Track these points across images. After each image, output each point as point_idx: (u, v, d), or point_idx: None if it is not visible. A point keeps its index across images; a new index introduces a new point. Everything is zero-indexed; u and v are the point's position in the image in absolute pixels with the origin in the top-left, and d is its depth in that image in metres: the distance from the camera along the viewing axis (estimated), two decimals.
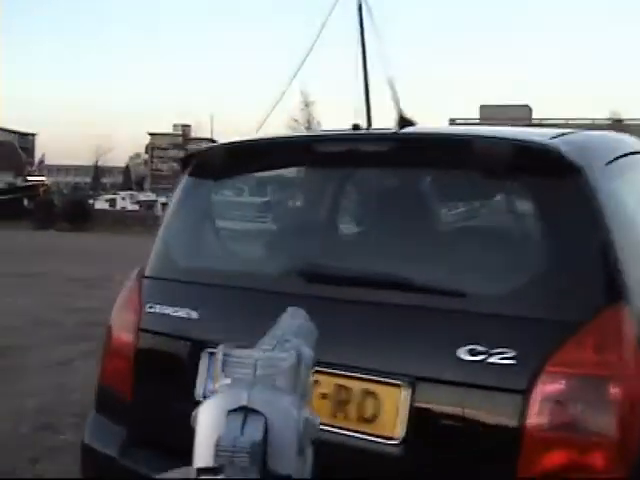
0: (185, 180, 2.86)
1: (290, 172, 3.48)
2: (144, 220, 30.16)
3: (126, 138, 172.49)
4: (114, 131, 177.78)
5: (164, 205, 60.96)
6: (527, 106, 71.91)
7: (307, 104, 71.86)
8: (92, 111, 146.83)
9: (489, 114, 59.05)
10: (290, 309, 0.62)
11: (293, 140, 3.18)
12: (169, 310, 2.52)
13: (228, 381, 0.47)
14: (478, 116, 60.74)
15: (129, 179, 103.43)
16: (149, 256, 2.78)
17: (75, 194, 57.17)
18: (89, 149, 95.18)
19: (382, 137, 2.68)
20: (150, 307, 2.59)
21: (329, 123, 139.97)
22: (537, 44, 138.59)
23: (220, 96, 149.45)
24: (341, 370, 2.10)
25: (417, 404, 2.02)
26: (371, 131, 3.12)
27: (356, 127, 2.70)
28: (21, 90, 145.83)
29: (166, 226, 2.85)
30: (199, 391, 2.23)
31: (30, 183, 48.00)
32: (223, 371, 0.48)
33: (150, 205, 67.21)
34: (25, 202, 44.82)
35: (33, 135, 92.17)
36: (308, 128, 74.93)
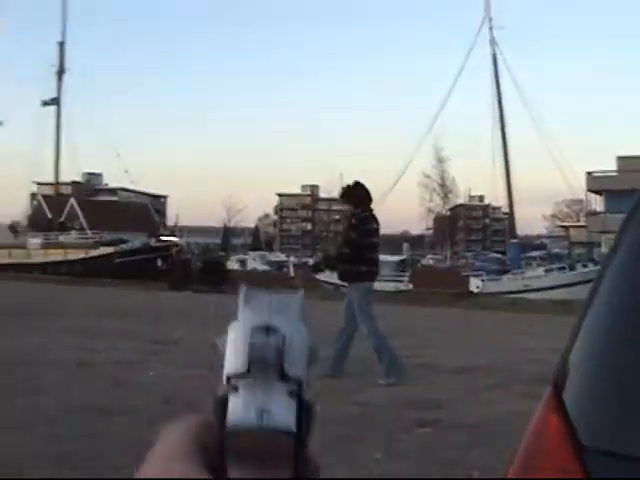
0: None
1: None
2: (277, 280, 29.39)
3: (255, 199, 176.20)
4: (243, 192, 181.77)
5: (295, 266, 60.93)
6: None
7: (440, 160, 70.68)
8: (221, 173, 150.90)
9: (628, 166, 55.12)
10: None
11: None
12: None
13: (250, 310, 0.56)
14: (615, 168, 57.05)
15: (258, 240, 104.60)
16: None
17: (209, 255, 57.57)
18: (219, 210, 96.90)
19: None
20: None
21: (463, 180, 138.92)
22: None
23: (349, 154, 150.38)
24: None
25: None
26: None
27: None
28: (152, 154, 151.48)
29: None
30: None
31: (163, 244, 48.46)
32: (245, 303, 0.56)
33: (281, 266, 67.55)
34: (159, 262, 45.19)
35: (165, 197, 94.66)
36: (442, 185, 73.77)
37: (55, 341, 12.14)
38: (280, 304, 0.57)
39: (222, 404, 0.52)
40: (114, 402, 7.44)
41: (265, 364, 0.52)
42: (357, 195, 9.34)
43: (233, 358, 0.54)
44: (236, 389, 0.53)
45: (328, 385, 7.94)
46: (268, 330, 0.54)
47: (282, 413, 0.52)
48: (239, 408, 0.51)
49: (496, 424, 6.66)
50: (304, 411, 0.53)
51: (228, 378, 0.53)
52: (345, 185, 9.84)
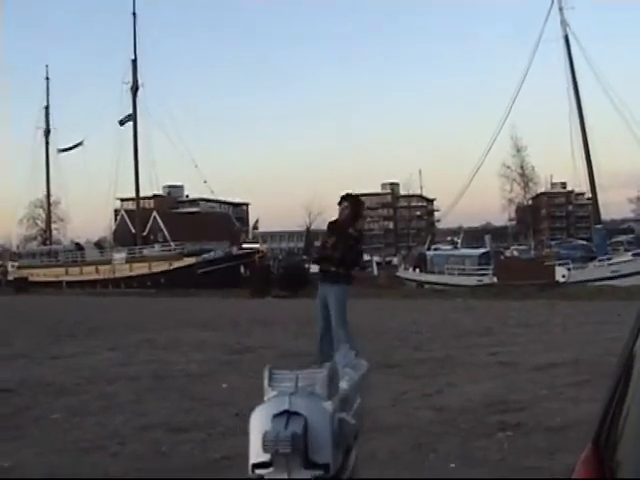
0: None
1: None
2: (361, 281, 29.03)
3: (336, 200, 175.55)
4: (324, 194, 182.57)
5: (379, 265, 60.61)
6: None
7: (519, 149, 69.23)
8: (301, 175, 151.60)
9: None
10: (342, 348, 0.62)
11: None
12: None
13: (274, 393, 0.56)
14: None
15: None
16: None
17: (290, 259, 57.79)
18: (301, 214, 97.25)
19: None
20: None
21: (543, 168, 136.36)
22: None
23: (427, 150, 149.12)
24: None
25: None
26: None
27: None
28: (231, 162, 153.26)
29: None
30: None
31: (246, 251, 48.86)
32: (269, 385, 0.56)
33: (364, 266, 67.37)
34: (242, 269, 45.60)
35: (246, 205, 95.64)
36: (522, 174, 72.21)
37: (134, 356, 12.20)
38: (306, 380, 0.55)
39: None
40: (185, 417, 7.32)
41: (284, 451, 0.51)
42: (358, 209, 9.83)
43: (256, 447, 0.53)
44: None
45: (400, 388, 7.65)
46: (289, 416, 0.52)
47: None
48: None
49: (583, 426, 6.23)
50: None
51: (253, 467, 0.53)
52: (349, 193, 10.08)
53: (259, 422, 0.53)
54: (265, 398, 0.53)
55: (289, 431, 0.50)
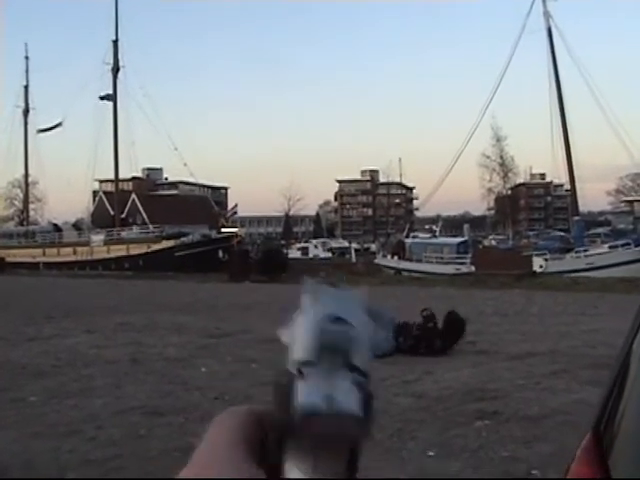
0: None
1: None
2: (340, 267, 29.12)
3: (315, 186, 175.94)
4: (303, 180, 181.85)
5: (357, 251, 60.62)
6: None
7: (498, 139, 69.39)
8: (280, 161, 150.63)
9: None
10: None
11: None
12: None
13: (317, 301, 0.56)
14: None
15: (320, 227, 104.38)
16: None
17: (269, 244, 57.76)
18: (279, 199, 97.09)
19: None
20: None
21: (523, 159, 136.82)
22: None
23: (407, 138, 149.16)
24: None
25: None
26: None
27: None
28: (212, 146, 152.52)
29: None
30: None
31: (224, 235, 48.70)
32: (311, 295, 0.56)
33: (343, 252, 67.43)
34: (220, 254, 45.44)
35: (225, 189, 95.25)
36: (501, 164, 72.45)
37: (111, 338, 12.14)
38: (346, 297, 0.56)
39: (285, 390, 0.53)
40: (163, 401, 7.31)
41: (334, 353, 0.53)
42: None
43: (302, 346, 0.54)
44: (303, 376, 0.53)
45: (380, 375, 7.67)
46: (338, 320, 0.54)
47: (349, 400, 0.53)
48: (307, 393, 0.52)
49: (560, 415, 6.30)
50: (368, 403, 0.54)
51: (295, 365, 0.54)
52: None
53: (308, 322, 0.53)
54: (307, 308, 0.54)
55: (342, 331, 0.53)
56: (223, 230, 50.64)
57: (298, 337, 0.54)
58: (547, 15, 42.30)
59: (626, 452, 1.15)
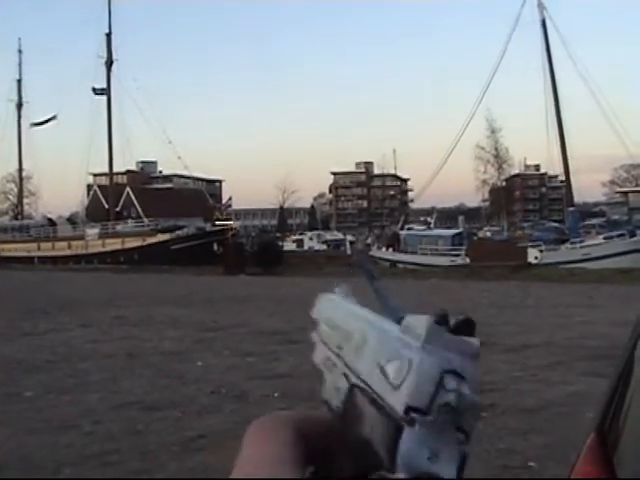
0: None
1: None
2: (335, 260, 29.10)
3: (310, 179, 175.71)
4: (298, 173, 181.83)
5: (352, 243, 60.60)
6: None
7: (493, 131, 69.42)
8: (275, 154, 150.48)
9: None
10: None
11: None
12: None
13: (430, 347, 0.50)
14: None
15: (315, 219, 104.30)
16: None
17: (264, 237, 57.72)
18: (274, 192, 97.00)
19: None
20: None
21: (517, 150, 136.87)
22: None
23: (402, 130, 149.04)
24: None
25: None
26: None
27: None
28: (206, 139, 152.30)
29: None
30: None
31: (219, 228, 48.62)
32: (430, 336, 0.50)
33: (338, 244, 67.43)
34: (215, 247, 45.39)
35: (220, 182, 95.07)
36: (496, 156, 72.51)
37: (107, 333, 12.13)
38: (463, 348, 0.49)
39: (395, 430, 0.49)
40: (160, 396, 7.30)
41: (448, 410, 0.49)
42: None
43: (417, 391, 0.49)
44: (413, 423, 0.49)
45: None
46: (457, 377, 0.49)
47: (450, 463, 0.49)
48: (413, 446, 0.49)
49: (556, 407, 6.31)
50: (464, 464, 0.49)
51: (407, 408, 0.49)
52: None
53: (428, 368, 0.49)
54: (419, 344, 0.49)
55: (460, 391, 0.48)
56: (218, 223, 50.55)
57: (412, 378, 0.50)
58: (541, 7, 42.25)
59: (631, 452, 1.14)
